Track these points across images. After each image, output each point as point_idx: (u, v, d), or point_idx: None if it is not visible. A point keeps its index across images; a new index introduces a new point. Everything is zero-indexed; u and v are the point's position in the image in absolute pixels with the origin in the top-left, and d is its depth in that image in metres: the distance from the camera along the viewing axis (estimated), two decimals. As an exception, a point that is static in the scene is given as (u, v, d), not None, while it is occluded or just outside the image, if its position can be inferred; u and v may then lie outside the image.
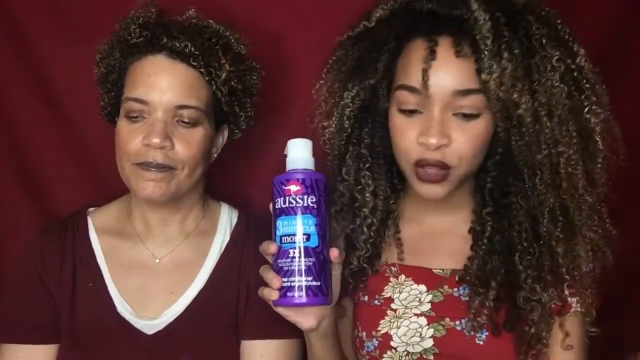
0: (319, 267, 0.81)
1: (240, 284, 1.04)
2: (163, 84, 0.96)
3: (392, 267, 0.97)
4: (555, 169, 0.85)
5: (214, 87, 1.01)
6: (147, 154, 0.95)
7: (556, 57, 0.83)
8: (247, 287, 1.03)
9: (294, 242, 0.81)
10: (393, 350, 0.92)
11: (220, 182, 1.15)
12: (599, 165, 0.87)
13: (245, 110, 1.08)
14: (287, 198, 0.82)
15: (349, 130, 0.96)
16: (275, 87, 1.19)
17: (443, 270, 0.94)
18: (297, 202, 0.81)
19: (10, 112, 1.26)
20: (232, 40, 1.03)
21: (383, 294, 0.95)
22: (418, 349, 0.91)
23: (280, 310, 0.85)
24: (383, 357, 0.93)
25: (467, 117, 0.84)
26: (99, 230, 1.07)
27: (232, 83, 1.02)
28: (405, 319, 0.92)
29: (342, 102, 0.95)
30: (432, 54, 0.83)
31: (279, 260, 0.82)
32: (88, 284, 1.02)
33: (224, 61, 1.00)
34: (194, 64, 0.98)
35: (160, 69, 0.97)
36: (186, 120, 0.97)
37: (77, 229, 1.06)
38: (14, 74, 1.25)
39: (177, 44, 0.97)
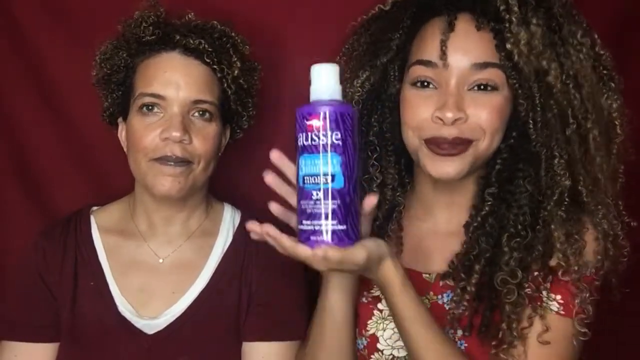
0: (345, 210, 0.73)
1: (242, 285, 1.04)
2: (179, 80, 0.97)
3: None
4: (584, 147, 0.83)
5: (225, 85, 1.02)
6: (165, 149, 0.96)
7: (581, 33, 0.83)
8: (249, 288, 1.03)
9: (318, 183, 0.73)
10: (380, 352, 0.91)
11: (222, 182, 1.15)
12: (614, 151, 0.86)
13: (247, 109, 1.09)
14: (309, 134, 0.73)
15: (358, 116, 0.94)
16: (277, 87, 1.20)
17: (429, 275, 0.92)
18: (320, 138, 0.73)
19: (10, 112, 1.25)
20: (238, 41, 1.04)
21: (372, 291, 0.94)
22: (403, 353, 0.89)
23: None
24: (371, 358, 0.92)
25: (484, 89, 0.83)
26: (102, 229, 1.07)
27: (241, 81, 1.04)
28: (391, 322, 0.90)
29: (351, 89, 0.93)
30: (450, 26, 0.83)
31: (302, 202, 0.74)
32: (90, 283, 1.02)
33: (235, 59, 1.02)
34: (208, 60, 0.99)
35: (175, 66, 0.98)
36: (203, 114, 0.99)
37: (80, 228, 1.07)
38: (14, 74, 1.25)
39: (191, 41, 0.98)
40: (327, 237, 0.72)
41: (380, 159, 0.96)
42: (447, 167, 0.85)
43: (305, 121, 0.74)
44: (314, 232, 0.73)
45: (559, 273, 0.84)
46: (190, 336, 1.00)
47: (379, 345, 0.91)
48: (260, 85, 1.10)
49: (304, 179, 0.74)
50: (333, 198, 0.73)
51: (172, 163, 0.96)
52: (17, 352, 1.00)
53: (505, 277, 0.84)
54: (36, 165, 1.27)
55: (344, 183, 0.73)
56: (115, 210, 1.10)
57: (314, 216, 0.73)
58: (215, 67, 1.00)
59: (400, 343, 0.88)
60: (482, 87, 0.84)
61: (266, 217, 1.09)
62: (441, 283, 0.90)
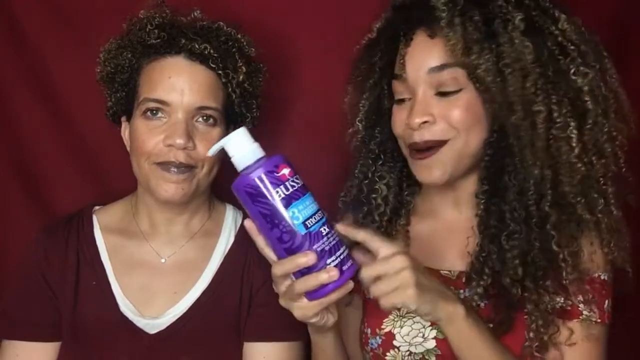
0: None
1: (243, 285, 1.04)
2: (184, 86, 0.97)
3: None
4: (535, 131, 0.85)
5: (230, 89, 1.02)
6: (168, 154, 0.96)
7: (519, 17, 0.84)
8: (250, 288, 1.04)
9: (321, 219, 0.75)
10: (396, 349, 0.92)
11: (223, 183, 1.16)
12: (588, 126, 0.86)
13: (251, 111, 1.09)
14: (287, 183, 0.74)
15: (363, 132, 1.01)
16: (278, 88, 1.20)
17: (451, 271, 0.94)
18: (297, 182, 0.75)
19: (11, 112, 1.25)
20: (244, 43, 1.04)
21: None
22: (420, 349, 0.90)
23: (332, 300, 0.77)
24: (386, 356, 0.93)
25: (449, 93, 0.87)
26: (104, 228, 1.07)
27: (245, 85, 1.04)
28: (409, 319, 0.92)
29: (356, 110, 1.01)
30: (407, 41, 0.90)
31: (315, 246, 0.74)
32: (91, 282, 1.02)
33: (240, 64, 1.02)
34: (213, 66, 0.99)
35: (180, 71, 0.98)
36: (207, 120, 0.99)
37: (82, 228, 1.07)
38: (13, 74, 1.25)
39: (197, 46, 0.97)
40: (352, 258, 0.77)
41: (383, 165, 1.01)
42: (428, 173, 0.90)
43: (276, 174, 0.74)
44: (343, 261, 0.76)
45: (566, 278, 0.86)
46: (191, 336, 1.00)
47: (395, 342, 0.92)
48: (265, 86, 1.10)
49: (306, 223, 0.74)
50: (332, 227, 0.77)
51: (175, 169, 0.96)
52: (19, 351, 1.00)
53: (510, 275, 0.86)
54: (36, 165, 1.27)
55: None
56: (117, 210, 1.10)
57: (335, 249, 0.75)
58: (220, 72, 1.00)
59: (418, 339, 0.90)
60: (446, 90, 0.87)
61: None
62: (464, 279, 0.92)
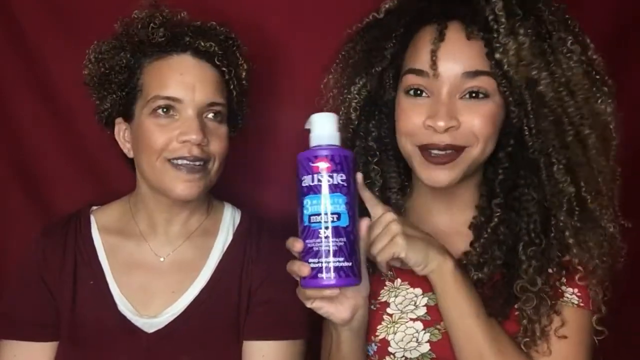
0: (350, 248, 0.77)
1: (242, 284, 1.04)
2: (195, 83, 0.98)
3: (388, 271, 0.95)
4: (583, 152, 0.84)
5: (232, 86, 1.03)
6: (183, 149, 0.96)
7: (571, 40, 0.84)
8: (249, 287, 1.03)
9: (325, 222, 0.77)
10: (391, 356, 0.91)
11: (219, 182, 1.16)
12: (613, 153, 0.87)
13: (242, 109, 1.10)
14: (315, 176, 0.77)
15: (356, 122, 0.96)
16: (275, 88, 1.20)
17: None
18: (326, 179, 0.77)
19: (11, 112, 1.26)
20: (239, 41, 1.05)
21: (379, 298, 0.94)
22: (415, 354, 0.90)
23: (313, 296, 0.81)
24: None
25: (476, 97, 0.84)
26: (102, 228, 1.07)
27: (243, 82, 1.05)
28: (402, 324, 0.91)
29: (349, 96, 0.95)
30: (441, 36, 0.84)
31: (307, 241, 0.78)
32: (89, 282, 1.02)
33: (241, 61, 1.04)
34: (218, 63, 1.00)
35: (189, 68, 0.99)
36: (216, 116, 1.00)
37: (80, 228, 1.07)
38: (13, 74, 1.25)
39: (202, 44, 0.99)
40: (333, 273, 0.76)
41: (380, 162, 0.97)
42: (439, 175, 0.87)
43: (310, 163, 0.78)
44: (320, 270, 0.77)
45: (576, 278, 0.86)
46: (189, 335, 1.00)
47: (390, 349, 0.91)
48: (260, 86, 1.11)
49: (309, 218, 0.78)
50: (339, 236, 0.77)
51: (189, 162, 0.96)
52: (17, 351, 1.00)
53: (524, 284, 0.85)
54: (36, 165, 1.27)
55: (349, 222, 0.78)
56: (115, 210, 1.10)
57: (320, 254, 0.77)
58: (224, 69, 1.01)
59: (412, 344, 0.89)
60: (473, 94, 0.85)
61: (266, 217, 1.09)
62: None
